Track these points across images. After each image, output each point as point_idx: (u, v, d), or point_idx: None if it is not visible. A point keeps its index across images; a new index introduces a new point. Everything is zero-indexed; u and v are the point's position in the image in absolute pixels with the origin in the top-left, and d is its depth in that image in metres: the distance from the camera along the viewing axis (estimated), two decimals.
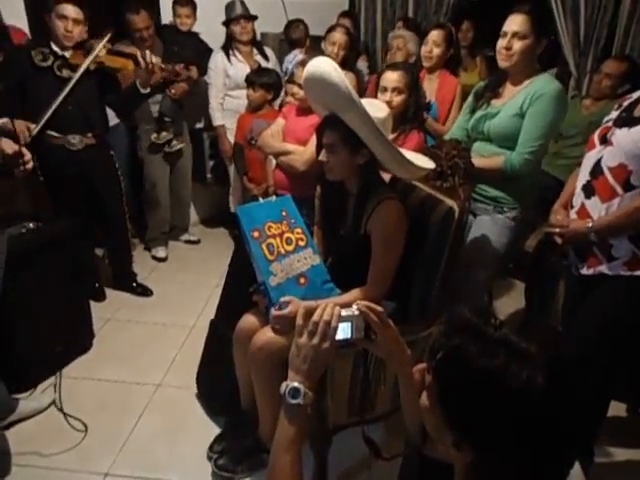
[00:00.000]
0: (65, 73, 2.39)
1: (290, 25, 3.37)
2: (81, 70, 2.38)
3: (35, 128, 2.30)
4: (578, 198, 1.68)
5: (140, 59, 2.45)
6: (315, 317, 0.94)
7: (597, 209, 1.60)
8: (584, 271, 1.67)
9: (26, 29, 2.76)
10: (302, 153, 2.31)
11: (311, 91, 1.63)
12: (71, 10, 2.32)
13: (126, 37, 2.90)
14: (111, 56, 2.43)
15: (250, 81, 2.95)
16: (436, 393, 0.75)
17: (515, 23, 1.86)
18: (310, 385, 0.93)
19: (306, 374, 0.93)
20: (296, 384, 0.92)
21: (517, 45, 1.86)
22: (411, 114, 2.16)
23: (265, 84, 2.95)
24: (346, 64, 2.80)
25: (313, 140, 1.90)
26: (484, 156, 1.98)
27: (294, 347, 0.95)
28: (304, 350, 0.94)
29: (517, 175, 1.92)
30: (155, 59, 2.52)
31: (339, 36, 2.79)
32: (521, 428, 0.67)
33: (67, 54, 2.40)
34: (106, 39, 2.41)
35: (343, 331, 0.97)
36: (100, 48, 2.39)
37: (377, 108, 1.57)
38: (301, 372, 0.93)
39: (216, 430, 1.93)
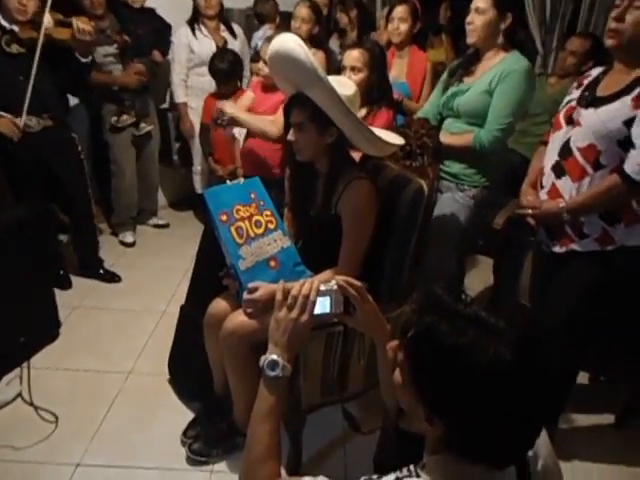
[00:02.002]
0: (14, 49, 2.25)
1: (257, 1, 3.28)
2: (39, 45, 2.24)
3: (21, 120, 2.19)
4: (548, 178, 1.70)
5: (74, 24, 2.28)
6: (294, 291, 0.96)
7: (568, 189, 1.61)
8: (556, 249, 1.69)
9: None
10: (275, 120, 2.24)
11: (276, 69, 1.60)
12: None
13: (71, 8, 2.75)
14: (57, 27, 2.29)
15: (217, 74, 2.85)
16: (408, 370, 0.76)
17: None
18: (289, 358, 0.95)
19: (285, 347, 0.95)
20: (275, 356, 0.94)
21: (478, 20, 1.89)
22: (376, 93, 2.12)
23: (232, 73, 2.85)
24: (314, 41, 2.73)
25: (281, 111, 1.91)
26: (454, 133, 1.98)
27: (273, 321, 0.97)
28: (283, 323, 0.95)
29: (486, 152, 1.94)
30: (89, 22, 2.36)
31: (304, 11, 2.72)
32: (490, 403, 0.68)
33: (15, 28, 2.25)
34: (49, 5, 2.24)
35: (322, 305, 0.98)
36: (49, 19, 2.24)
37: (344, 85, 1.55)
38: (280, 344, 0.95)
39: (190, 415, 1.91)
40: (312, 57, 1.40)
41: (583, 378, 2.20)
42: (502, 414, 0.69)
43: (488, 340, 0.69)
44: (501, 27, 1.90)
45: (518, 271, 2.36)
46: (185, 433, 1.83)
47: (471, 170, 2.04)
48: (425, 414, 0.74)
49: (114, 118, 2.96)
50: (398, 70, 2.69)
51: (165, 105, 3.45)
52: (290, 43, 1.42)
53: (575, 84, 1.72)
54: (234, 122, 2.28)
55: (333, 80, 1.53)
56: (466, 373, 0.69)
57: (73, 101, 2.91)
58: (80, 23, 2.29)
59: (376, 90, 2.10)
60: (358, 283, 1.00)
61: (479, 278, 2.98)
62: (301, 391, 1.52)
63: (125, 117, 2.97)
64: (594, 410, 2.08)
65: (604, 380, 2.28)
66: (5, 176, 2.35)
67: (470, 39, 1.95)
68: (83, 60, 2.43)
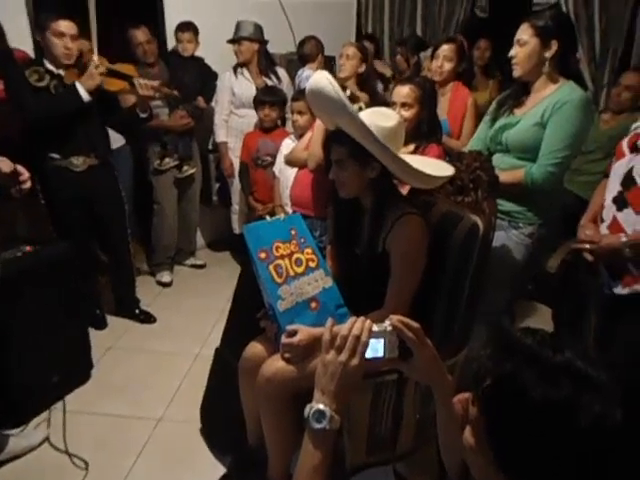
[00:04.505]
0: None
1: (303, 42, 3.35)
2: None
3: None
4: (609, 211, 1.57)
5: (136, 82, 2.34)
6: (343, 331, 0.85)
7: (631, 222, 1.49)
8: (618, 290, 1.54)
9: (30, 51, 2.72)
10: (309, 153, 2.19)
11: (313, 105, 1.59)
12: (69, 26, 2.24)
13: (128, 57, 2.87)
14: (108, 78, 2.33)
15: (262, 101, 2.88)
16: (484, 429, 0.64)
17: (519, 31, 1.83)
18: (337, 408, 0.84)
19: (333, 395, 0.84)
20: (321, 406, 0.83)
21: (521, 53, 1.82)
22: (425, 129, 2.06)
23: (278, 102, 2.90)
24: (360, 80, 2.74)
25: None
26: (503, 169, 1.86)
27: (320, 365, 0.86)
28: (331, 367, 0.84)
29: (538, 189, 1.81)
30: (150, 81, 2.40)
31: (350, 48, 2.74)
32: (589, 472, 0.56)
33: (62, 72, 2.32)
34: (96, 59, 2.30)
35: (374, 349, 0.86)
36: (98, 65, 2.28)
37: (385, 117, 1.47)
38: (327, 392, 0.84)
39: (221, 470, 1.78)
40: (340, 92, 1.37)
41: None
42: None
43: (590, 396, 0.56)
44: (546, 56, 1.80)
45: (580, 317, 2.17)
46: None
47: (524, 208, 1.90)
48: None
49: (157, 161, 3.04)
50: (439, 108, 2.62)
51: (208, 147, 3.50)
52: (322, 79, 1.40)
53: None
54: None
55: (374, 112, 1.48)
56: (563, 435, 0.56)
57: (119, 142, 2.97)
58: (141, 80, 2.34)
59: (426, 126, 2.04)
60: (415, 324, 0.87)
61: (534, 326, 2.76)
62: (345, 448, 1.36)
63: (167, 160, 3.05)
64: None
65: None
66: (49, 211, 2.37)
67: (515, 73, 1.87)
68: (143, 115, 2.49)
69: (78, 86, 2.25)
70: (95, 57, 2.31)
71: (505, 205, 1.90)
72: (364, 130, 1.38)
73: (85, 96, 2.27)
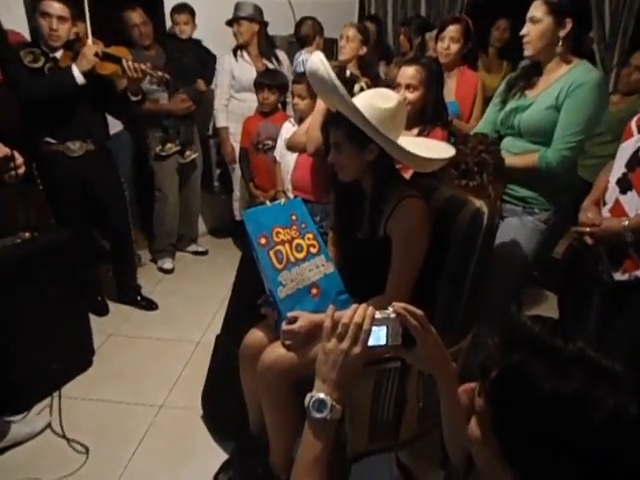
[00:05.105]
0: None
1: (300, 23, 3.27)
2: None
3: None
4: (612, 193, 1.52)
5: (125, 64, 2.25)
6: (345, 319, 0.83)
7: (634, 205, 1.44)
8: (618, 276, 1.51)
9: (26, 34, 2.67)
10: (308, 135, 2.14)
11: (314, 88, 1.54)
12: (55, 7, 2.17)
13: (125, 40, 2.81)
14: (101, 61, 2.26)
15: (261, 84, 2.83)
16: (490, 421, 0.61)
17: (532, 9, 1.76)
18: (338, 397, 0.82)
19: (334, 384, 0.82)
20: (322, 395, 0.81)
21: (533, 31, 1.75)
22: (431, 113, 1.99)
23: (278, 85, 2.84)
24: (361, 63, 2.68)
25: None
26: (515, 153, 1.81)
27: (321, 353, 0.84)
28: (332, 356, 0.82)
29: (553, 173, 1.76)
30: (139, 64, 2.30)
31: (350, 30, 2.67)
32: (602, 467, 0.53)
33: (57, 55, 2.27)
34: (90, 34, 2.23)
35: (376, 337, 0.84)
36: (92, 48, 2.21)
37: (385, 98, 1.41)
38: (328, 381, 0.82)
39: (223, 456, 1.77)
40: (331, 72, 1.33)
41: None
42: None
43: (603, 388, 0.54)
44: (560, 35, 1.73)
45: (585, 304, 2.13)
46: (217, 476, 1.68)
47: (539, 193, 1.85)
48: (511, 477, 0.59)
49: (159, 147, 2.99)
50: (446, 90, 2.55)
51: (208, 132, 3.45)
52: (315, 61, 1.36)
53: None
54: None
55: (374, 93, 1.43)
56: (575, 429, 0.54)
57: (117, 127, 2.93)
58: (130, 62, 2.27)
59: (431, 109, 1.97)
60: (419, 312, 0.85)
61: (540, 313, 2.73)
62: (346, 436, 1.35)
63: (169, 145, 3.00)
64: None
65: None
66: (48, 198, 2.34)
67: (527, 52, 1.80)
68: (134, 98, 2.42)
69: (73, 68, 2.20)
70: (89, 40, 2.26)
71: (520, 191, 1.86)
72: (356, 112, 1.34)
73: (80, 78, 2.22)
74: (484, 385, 0.62)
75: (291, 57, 3.32)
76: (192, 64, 3.05)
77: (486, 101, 2.43)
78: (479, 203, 1.48)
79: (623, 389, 0.54)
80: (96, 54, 2.23)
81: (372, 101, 1.38)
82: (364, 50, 2.70)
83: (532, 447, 0.56)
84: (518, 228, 1.87)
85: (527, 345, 0.59)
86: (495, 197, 1.46)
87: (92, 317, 2.39)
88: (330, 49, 3.31)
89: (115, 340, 2.50)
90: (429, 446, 1.48)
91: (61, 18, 2.20)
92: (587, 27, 1.93)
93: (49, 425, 1.92)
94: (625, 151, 1.50)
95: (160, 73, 2.39)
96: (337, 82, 1.32)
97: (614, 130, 2.66)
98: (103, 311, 2.69)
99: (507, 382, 0.59)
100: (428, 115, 1.98)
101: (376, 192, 1.49)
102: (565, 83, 1.72)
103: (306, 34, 3.19)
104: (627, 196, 1.46)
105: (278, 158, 2.62)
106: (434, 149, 1.47)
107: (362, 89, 1.85)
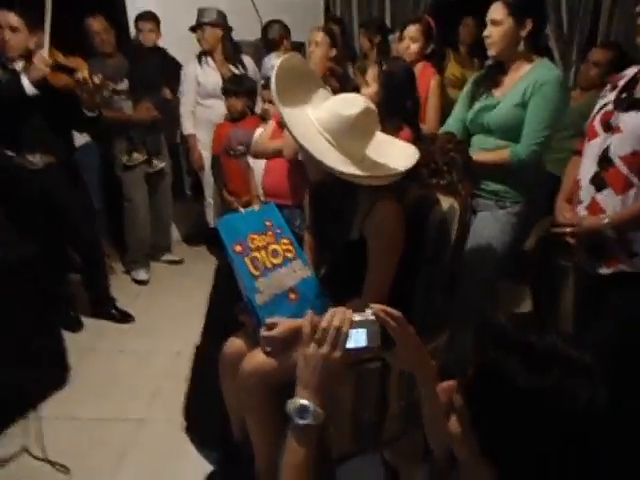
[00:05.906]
0: None
1: (266, 27, 3.26)
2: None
3: None
4: (587, 192, 1.56)
5: (79, 75, 2.15)
6: (323, 323, 0.83)
7: (611, 202, 1.48)
8: (603, 270, 1.54)
9: None
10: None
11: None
12: (8, 17, 2.12)
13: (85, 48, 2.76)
14: (55, 72, 2.17)
15: (227, 90, 2.82)
16: (469, 418, 0.62)
17: (492, 11, 1.82)
18: (320, 402, 0.82)
19: (316, 389, 0.82)
20: (304, 401, 0.81)
21: (495, 32, 1.81)
22: (386, 110, 1.97)
23: (245, 91, 2.83)
24: (332, 66, 2.68)
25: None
26: (487, 149, 1.87)
27: (301, 359, 0.84)
28: (312, 361, 0.82)
29: (524, 167, 1.83)
30: (95, 77, 2.20)
31: (318, 34, 2.65)
32: (578, 458, 0.55)
33: (18, 66, 2.20)
34: (46, 45, 2.13)
35: (356, 339, 0.84)
36: (44, 60, 2.12)
37: (349, 104, 1.38)
38: (310, 386, 0.82)
39: (208, 467, 1.76)
40: (275, 83, 1.34)
41: None
42: (595, 470, 0.55)
43: (577, 381, 0.56)
44: (521, 35, 1.79)
45: (557, 297, 2.19)
46: None
47: (510, 186, 1.91)
48: (492, 472, 0.60)
49: (125, 157, 2.94)
50: None
51: (177, 140, 3.41)
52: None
53: (608, 87, 1.60)
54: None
55: (339, 99, 1.41)
56: (551, 423, 0.55)
57: (84, 139, 2.87)
58: (83, 74, 2.17)
59: (386, 107, 1.96)
60: (397, 313, 0.86)
61: (513, 307, 2.79)
62: (330, 438, 1.35)
63: (136, 155, 2.95)
64: None
65: None
66: (5, 213, 2.27)
67: (491, 52, 1.87)
68: (89, 114, 2.30)
69: (22, 78, 2.13)
70: (45, 49, 2.18)
71: (491, 185, 1.92)
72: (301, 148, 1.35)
73: (29, 89, 2.13)
74: (462, 383, 0.63)
75: (258, 62, 3.31)
76: (157, 72, 3.02)
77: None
78: (450, 201, 1.51)
79: (594, 380, 0.56)
80: (49, 64, 2.16)
81: (336, 109, 1.37)
82: (334, 52, 2.70)
83: (511, 442, 0.58)
84: (491, 222, 1.92)
85: (501, 342, 0.60)
86: (466, 194, 1.49)
87: (66, 333, 2.33)
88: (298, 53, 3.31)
89: (91, 356, 2.44)
90: (413, 444, 1.49)
91: (13, 29, 2.15)
92: (544, 25, 1.99)
93: (26, 449, 1.86)
94: (592, 150, 1.54)
95: (115, 87, 2.33)
96: (276, 94, 1.33)
97: (576, 124, 2.73)
98: (76, 326, 2.62)
99: (484, 380, 0.60)
100: (384, 113, 1.97)
101: (347, 193, 1.49)
102: (530, 81, 1.78)
103: (273, 38, 3.19)
104: (603, 194, 1.50)
105: (252, 163, 2.61)
106: (395, 156, 1.45)
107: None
